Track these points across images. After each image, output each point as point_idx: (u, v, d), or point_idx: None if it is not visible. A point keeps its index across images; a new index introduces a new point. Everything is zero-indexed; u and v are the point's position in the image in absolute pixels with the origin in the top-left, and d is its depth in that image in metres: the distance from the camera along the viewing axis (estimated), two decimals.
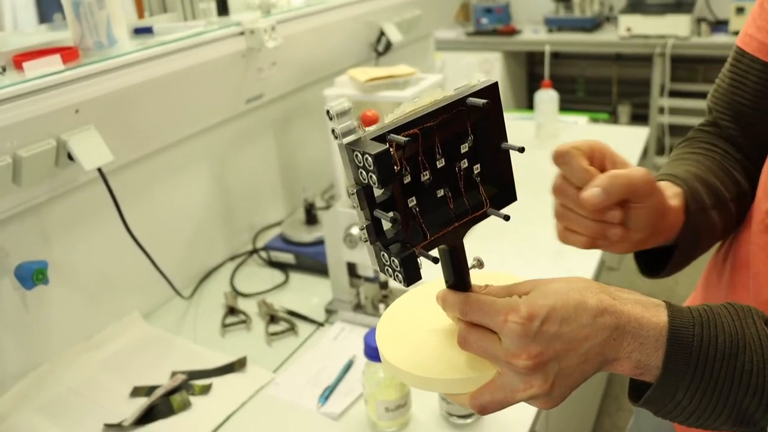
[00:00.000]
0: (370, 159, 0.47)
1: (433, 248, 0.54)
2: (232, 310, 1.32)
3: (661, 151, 3.89)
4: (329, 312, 1.28)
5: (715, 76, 0.82)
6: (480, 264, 0.59)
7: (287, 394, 1.08)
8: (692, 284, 0.93)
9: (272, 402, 1.07)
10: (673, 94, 3.84)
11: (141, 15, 1.43)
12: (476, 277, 0.58)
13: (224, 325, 1.28)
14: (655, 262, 0.76)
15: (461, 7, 4.15)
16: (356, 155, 0.48)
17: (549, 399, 0.53)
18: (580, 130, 2.29)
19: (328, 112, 0.49)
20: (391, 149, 0.48)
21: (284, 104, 1.68)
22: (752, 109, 0.73)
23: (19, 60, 1.02)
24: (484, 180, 0.55)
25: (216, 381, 1.12)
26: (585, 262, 1.39)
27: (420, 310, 0.63)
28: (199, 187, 1.46)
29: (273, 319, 1.28)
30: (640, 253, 0.77)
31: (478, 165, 0.55)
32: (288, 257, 1.47)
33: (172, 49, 1.20)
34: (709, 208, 0.70)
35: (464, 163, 0.54)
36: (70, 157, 1.04)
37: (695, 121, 0.84)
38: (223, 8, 1.43)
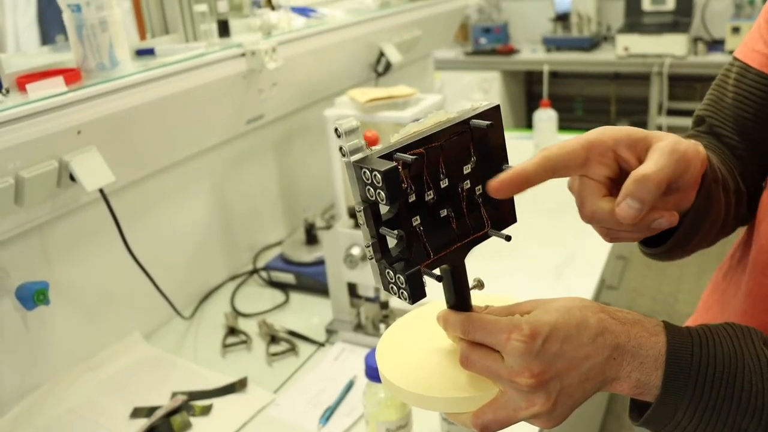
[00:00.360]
0: (379, 176, 0.48)
1: (435, 268, 0.54)
2: (232, 331, 1.32)
3: None
4: (330, 332, 1.27)
5: None
6: (480, 285, 0.59)
7: (288, 415, 1.08)
8: (692, 302, 0.94)
9: (273, 423, 1.07)
10: (671, 112, 3.86)
11: (143, 37, 1.44)
12: (476, 298, 0.59)
13: (225, 346, 1.28)
14: (655, 241, 0.69)
15: (460, 27, 4.18)
16: (364, 172, 0.49)
17: (551, 418, 0.53)
18: None
19: (336, 130, 0.50)
20: (398, 167, 0.49)
21: (284, 125, 1.69)
22: (756, 124, 0.73)
23: (23, 82, 1.03)
24: (486, 201, 0.56)
25: (216, 402, 1.11)
26: (585, 280, 1.39)
27: (419, 331, 0.63)
28: (200, 207, 1.47)
29: (273, 339, 1.27)
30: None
31: (480, 186, 0.55)
32: (288, 277, 1.47)
33: (174, 71, 1.21)
34: (720, 183, 0.66)
35: (467, 184, 0.55)
36: (72, 177, 1.05)
37: None
38: (224, 30, 1.44)
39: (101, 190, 1.11)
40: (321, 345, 1.25)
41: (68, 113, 1.03)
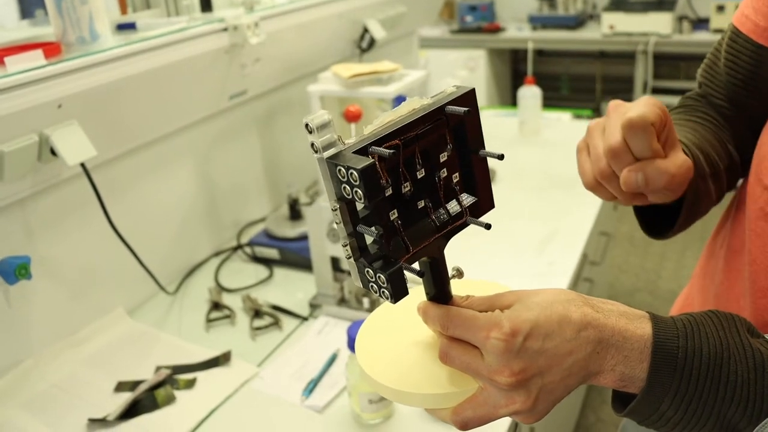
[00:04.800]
0: (355, 174, 0.45)
1: (414, 261, 0.52)
2: (216, 305, 1.32)
3: None
4: (313, 306, 1.28)
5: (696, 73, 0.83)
6: (460, 274, 0.58)
7: (271, 388, 1.09)
8: (675, 279, 0.94)
9: (256, 396, 1.08)
10: (656, 91, 3.88)
11: (124, 11, 1.43)
12: (458, 285, 0.57)
13: (209, 320, 1.28)
14: (654, 224, 0.78)
15: (446, 4, 4.17)
16: (339, 170, 0.46)
17: (532, 414, 0.52)
18: (564, 126, 2.31)
19: (307, 125, 0.47)
20: (375, 162, 0.47)
21: (268, 100, 1.68)
22: (745, 90, 0.74)
23: (1, 55, 1.02)
24: (463, 188, 0.54)
25: (200, 375, 1.12)
26: (567, 255, 1.40)
27: (399, 320, 0.61)
28: (184, 182, 1.46)
29: (257, 313, 1.28)
30: (641, 215, 0.79)
31: (457, 174, 0.54)
32: (272, 252, 1.47)
33: (155, 45, 1.20)
34: (708, 176, 0.70)
35: (443, 173, 0.53)
36: (53, 152, 1.04)
37: None
38: (206, 4, 1.43)
39: (83, 165, 1.10)
40: (304, 319, 1.26)
41: (48, 87, 1.02)
